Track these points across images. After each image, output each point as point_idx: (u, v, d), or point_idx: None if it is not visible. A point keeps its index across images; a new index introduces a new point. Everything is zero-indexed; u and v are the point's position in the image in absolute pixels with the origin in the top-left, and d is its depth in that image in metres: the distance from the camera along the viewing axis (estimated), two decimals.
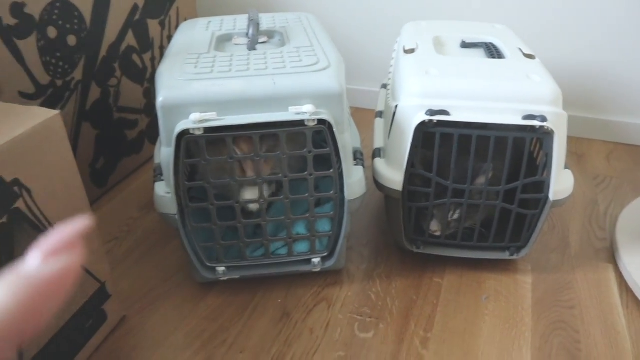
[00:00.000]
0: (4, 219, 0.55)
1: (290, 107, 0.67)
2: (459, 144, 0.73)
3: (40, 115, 0.58)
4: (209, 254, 0.78)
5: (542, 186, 0.76)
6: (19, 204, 0.57)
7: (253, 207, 0.74)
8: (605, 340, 0.74)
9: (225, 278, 0.79)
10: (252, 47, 0.81)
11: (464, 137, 0.73)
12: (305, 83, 0.68)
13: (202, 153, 0.67)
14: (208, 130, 0.66)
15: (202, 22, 0.98)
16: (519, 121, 0.71)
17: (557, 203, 0.76)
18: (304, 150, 0.69)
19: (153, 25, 1.15)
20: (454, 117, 0.71)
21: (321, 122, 0.67)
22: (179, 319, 0.78)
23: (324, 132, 0.68)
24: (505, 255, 0.84)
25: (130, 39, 1.09)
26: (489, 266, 0.87)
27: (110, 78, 1.06)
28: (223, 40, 0.89)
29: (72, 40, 0.94)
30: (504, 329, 0.75)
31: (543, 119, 0.70)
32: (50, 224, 0.61)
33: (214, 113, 0.66)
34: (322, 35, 0.87)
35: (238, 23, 0.95)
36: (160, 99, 0.67)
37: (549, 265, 0.88)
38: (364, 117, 1.34)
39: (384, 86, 1.07)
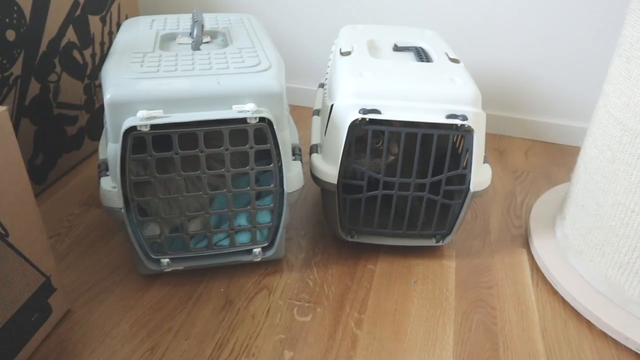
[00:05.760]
0: None
1: (233, 106, 0.71)
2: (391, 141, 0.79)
3: None
4: (153, 246, 0.81)
5: (464, 179, 0.84)
6: None
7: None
8: (517, 314, 0.83)
9: (169, 269, 0.82)
10: (196, 47, 0.84)
11: (395, 134, 0.79)
12: (248, 83, 0.73)
13: (149, 149, 0.70)
14: (154, 127, 0.69)
15: (145, 20, 1.00)
16: (442, 119, 0.78)
17: (476, 194, 0.85)
18: (246, 146, 0.74)
19: (94, 21, 1.16)
20: (384, 116, 0.78)
21: (262, 119, 0.72)
22: (124, 310, 0.80)
23: (264, 129, 0.73)
24: (432, 242, 0.92)
25: (71, 35, 1.09)
26: (418, 253, 0.95)
27: (50, 73, 1.05)
28: (167, 39, 0.91)
29: (10, 35, 0.94)
30: (430, 309, 0.83)
31: (464, 117, 0.78)
32: None
33: (161, 110, 0.69)
34: (263, 36, 0.91)
35: (181, 22, 0.97)
36: (107, 96, 0.69)
37: (471, 250, 0.97)
38: (302, 114, 1.40)
39: (322, 85, 1.13)
